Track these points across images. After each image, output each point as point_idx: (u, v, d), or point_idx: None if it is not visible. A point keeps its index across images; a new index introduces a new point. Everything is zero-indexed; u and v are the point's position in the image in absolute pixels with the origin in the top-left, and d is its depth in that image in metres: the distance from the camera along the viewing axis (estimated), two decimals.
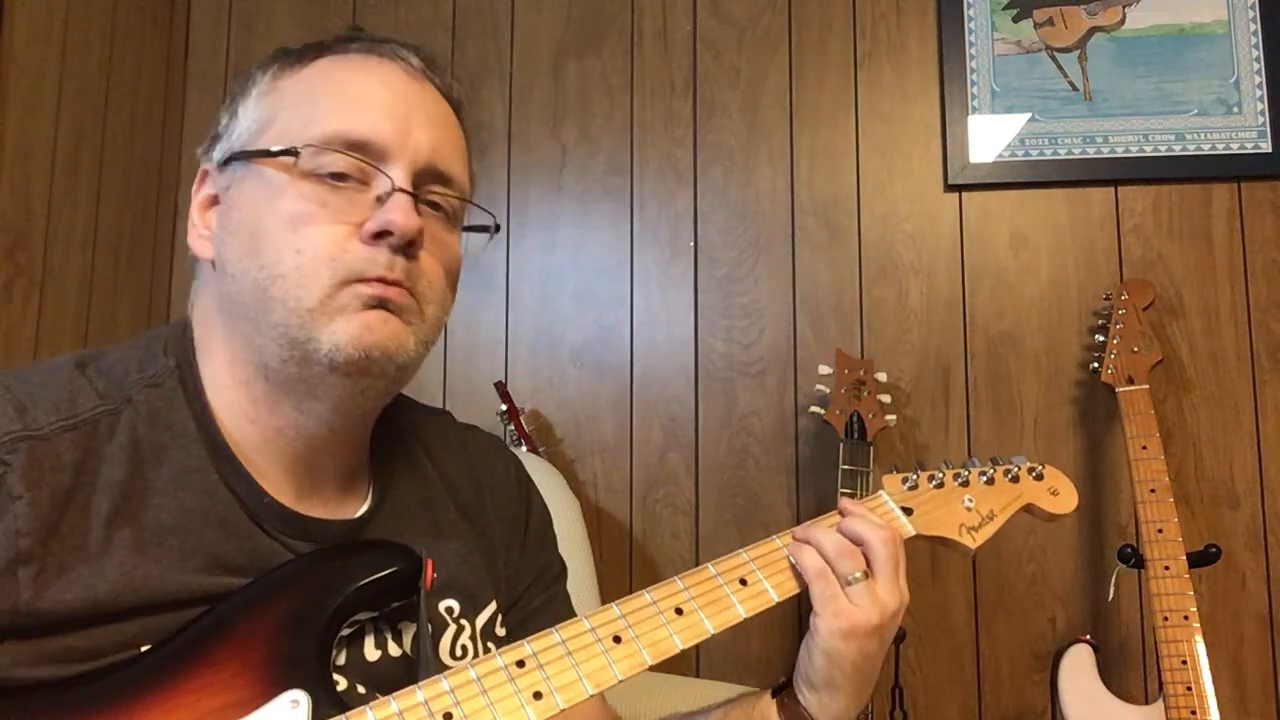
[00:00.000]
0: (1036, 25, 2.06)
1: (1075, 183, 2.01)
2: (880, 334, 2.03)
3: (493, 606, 0.91)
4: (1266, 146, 1.95)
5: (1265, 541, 1.87)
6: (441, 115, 0.86)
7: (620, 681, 0.76)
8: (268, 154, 0.80)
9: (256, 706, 0.69)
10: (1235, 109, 1.97)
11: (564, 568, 1.05)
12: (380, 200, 0.79)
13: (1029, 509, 1.00)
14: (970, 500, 0.97)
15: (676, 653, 0.80)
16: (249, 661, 0.71)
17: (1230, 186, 1.97)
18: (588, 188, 2.16)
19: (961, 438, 1.98)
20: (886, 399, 1.84)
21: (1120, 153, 1.99)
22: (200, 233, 0.84)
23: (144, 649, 0.71)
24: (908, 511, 0.95)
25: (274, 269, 0.77)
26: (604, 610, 0.80)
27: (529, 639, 0.77)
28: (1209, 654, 1.60)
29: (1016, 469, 1.01)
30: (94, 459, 0.73)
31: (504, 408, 1.98)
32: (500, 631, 0.92)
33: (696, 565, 0.86)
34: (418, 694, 0.71)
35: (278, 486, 0.81)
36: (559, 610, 1.00)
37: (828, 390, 1.85)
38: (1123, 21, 2.04)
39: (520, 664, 0.75)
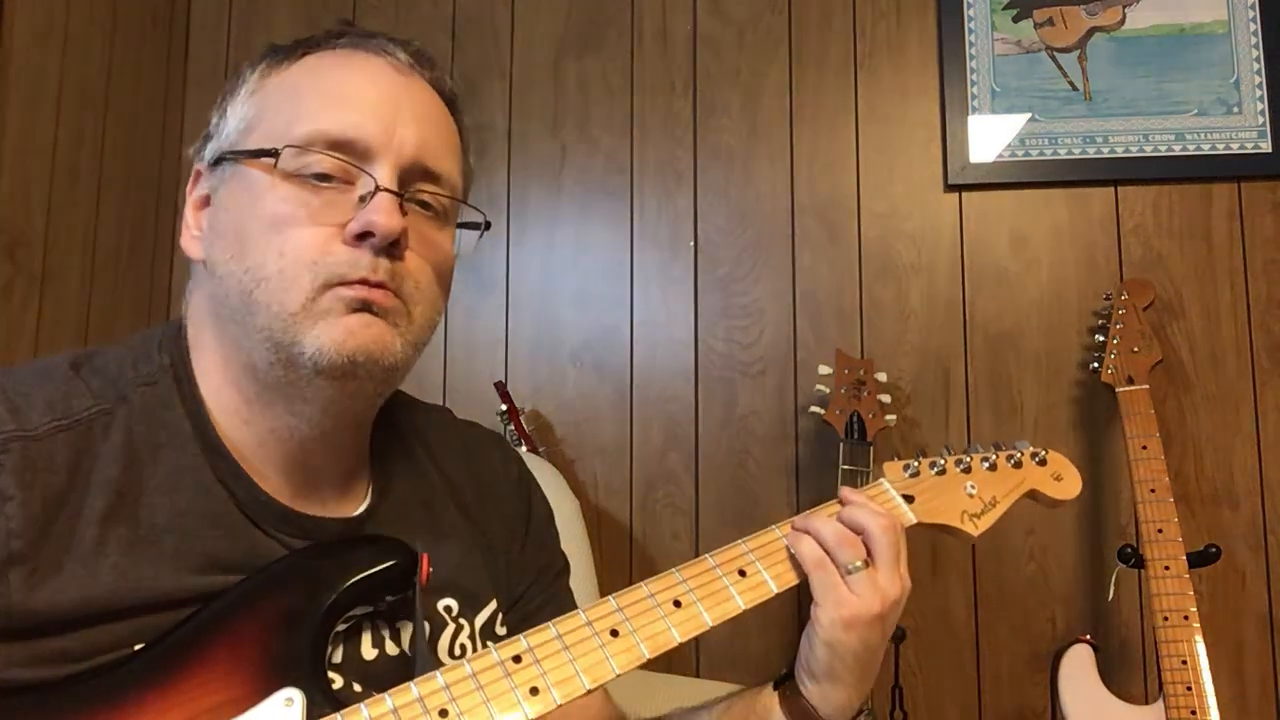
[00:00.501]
0: (1036, 25, 2.06)
1: (1075, 183, 2.01)
2: (880, 334, 2.03)
3: (492, 605, 0.91)
4: (1266, 146, 1.95)
5: (1265, 541, 1.87)
6: (431, 110, 0.84)
7: (618, 675, 0.76)
8: (251, 154, 0.79)
9: (251, 705, 0.69)
10: (1235, 109, 1.97)
11: (566, 565, 1.04)
12: (364, 200, 0.77)
13: (1032, 495, 0.99)
14: (972, 487, 0.95)
15: (675, 645, 0.80)
16: (243, 659, 0.71)
17: (1230, 186, 1.97)
18: (588, 188, 2.16)
19: (961, 438, 1.98)
20: (886, 399, 1.83)
21: (1120, 153, 1.99)
22: (193, 233, 0.84)
23: (138, 648, 0.71)
24: (909, 499, 0.93)
25: (258, 272, 0.76)
26: (601, 604, 0.79)
27: (525, 633, 0.76)
28: (1209, 654, 1.59)
29: (1019, 454, 0.99)
30: (88, 459, 0.73)
31: (504, 408, 1.98)
32: (500, 630, 0.91)
33: None
34: (413, 690, 0.71)
35: (275, 486, 0.81)
36: (560, 608, 0.98)
37: (827, 390, 1.84)
38: (1123, 21, 2.03)
39: (517, 659, 0.74)
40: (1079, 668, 1.71)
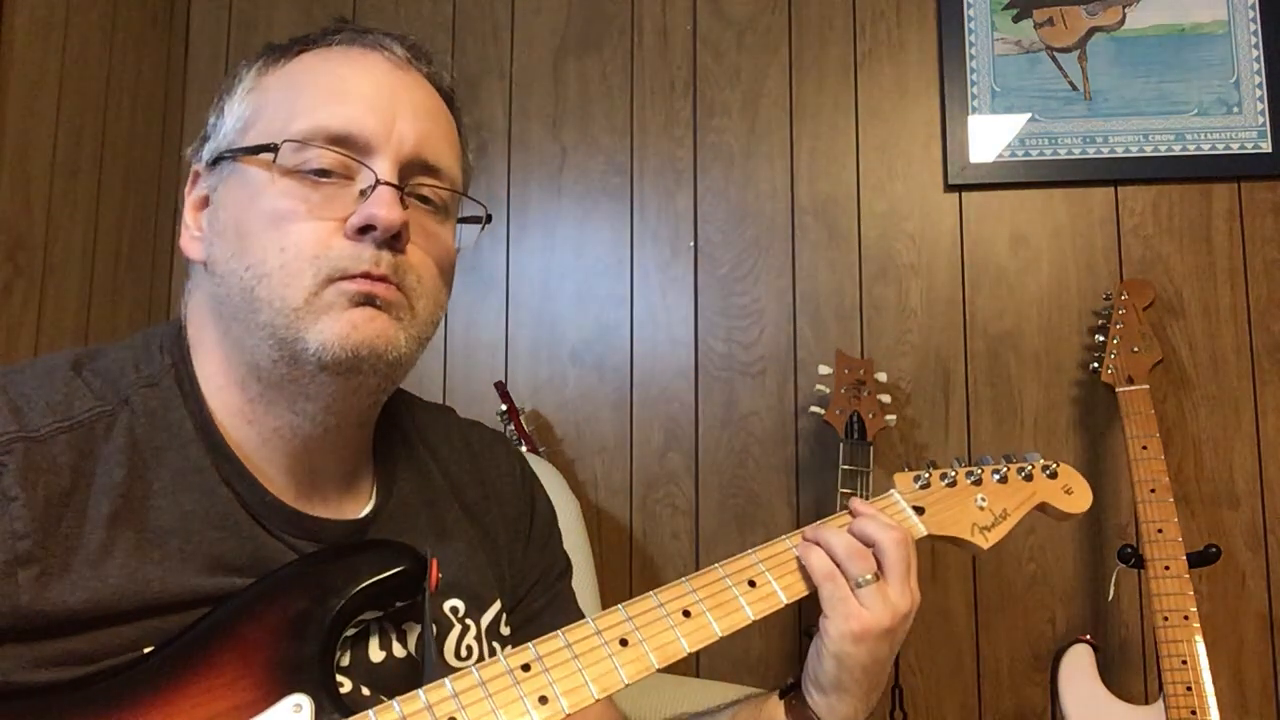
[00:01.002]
0: (1036, 25, 2.06)
1: (1075, 183, 2.01)
2: (880, 334, 2.03)
3: (497, 606, 0.91)
4: (1266, 146, 1.95)
5: (1265, 541, 1.88)
6: (429, 105, 0.84)
7: (626, 685, 0.76)
8: (249, 151, 0.79)
9: (259, 710, 0.69)
10: (1235, 109, 1.97)
11: (568, 565, 1.04)
12: (364, 194, 0.77)
13: (1042, 508, 0.98)
14: (983, 499, 0.95)
15: (684, 656, 0.79)
16: (251, 664, 0.71)
17: (1230, 186, 1.97)
18: (588, 188, 2.16)
19: (961, 438, 1.98)
20: (886, 399, 1.83)
21: (1120, 153, 1.99)
22: (192, 234, 0.83)
23: (146, 651, 0.71)
24: (919, 511, 0.93)
25: (259, 269, 0.76)
26: (611, 612, 0.79)
27: (535, 642, 0.76)
28: (1209, 654, 1.59)
29: (1030, 467, 0.99)
30: (91, 461, 0.73)
31: (504, 408, 1.98)
32: (505, 631, 0.91)
33: (696, 565, 0.85)
34: (421, 698, 0.71)
35: (279, 486, 0.81)
36: (563, 609, 0.99)
37: (828, 390, 1.84)
38: (1123, 21, 2.03)
39: (525, 667, 0.74)
40: (1079, 668, 1.71)
